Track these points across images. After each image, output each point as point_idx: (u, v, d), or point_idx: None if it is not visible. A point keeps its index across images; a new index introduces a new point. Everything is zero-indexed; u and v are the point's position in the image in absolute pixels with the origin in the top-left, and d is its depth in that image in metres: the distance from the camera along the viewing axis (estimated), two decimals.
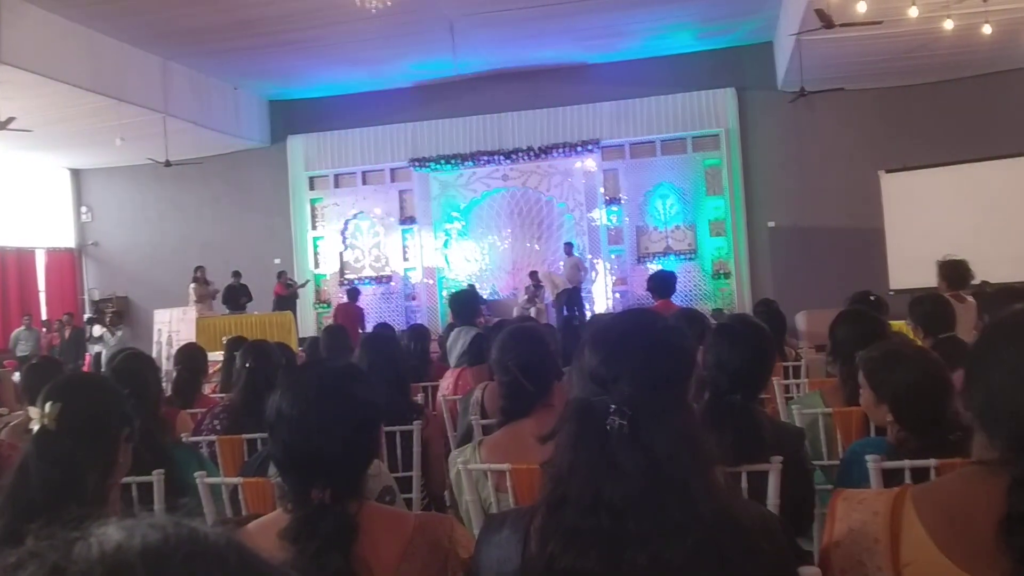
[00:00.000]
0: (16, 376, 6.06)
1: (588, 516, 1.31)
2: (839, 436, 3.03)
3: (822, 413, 3.10)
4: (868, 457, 2.21)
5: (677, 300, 13.58)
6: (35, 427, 1.93)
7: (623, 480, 1.30)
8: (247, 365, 3.90)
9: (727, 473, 2.14)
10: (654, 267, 14.70)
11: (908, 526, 1.39)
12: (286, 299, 15.11)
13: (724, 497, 1.36)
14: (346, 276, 16.76)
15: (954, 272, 5.64)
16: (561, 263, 15.10)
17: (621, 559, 1.28)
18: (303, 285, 15.95)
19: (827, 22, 9.66)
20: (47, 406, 1.92)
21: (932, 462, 2.13)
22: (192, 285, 14.58)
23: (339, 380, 1.72)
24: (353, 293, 14.77)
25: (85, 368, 14.15)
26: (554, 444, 1.41)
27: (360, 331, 13.72)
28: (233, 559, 0.56)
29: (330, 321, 14.40)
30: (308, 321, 16.33)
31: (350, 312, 14.05)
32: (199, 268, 14.78)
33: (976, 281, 5.91)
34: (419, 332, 6.16)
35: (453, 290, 14.70)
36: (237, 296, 14.75)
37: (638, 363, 1.35)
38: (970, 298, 5.39)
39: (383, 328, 7.44)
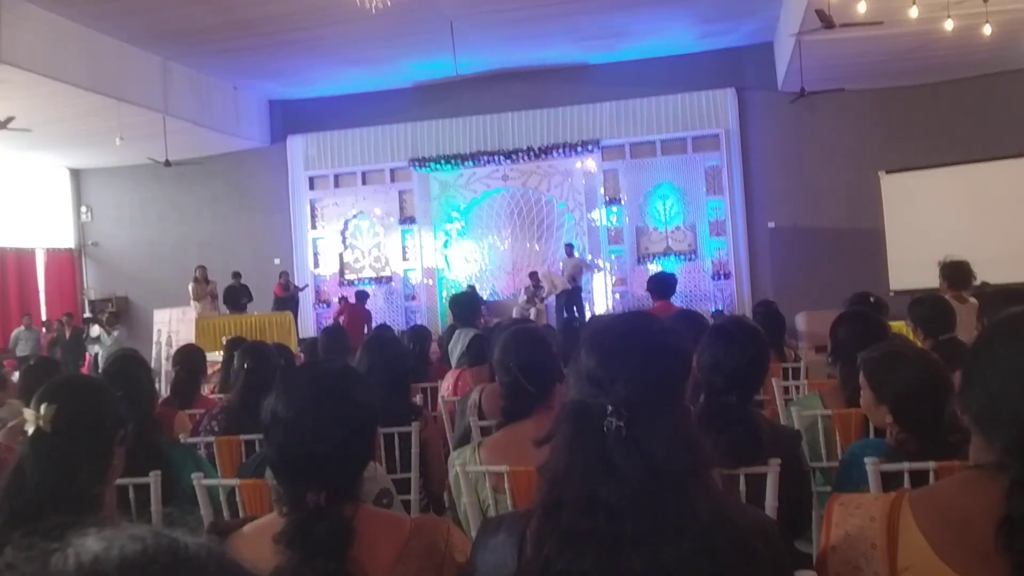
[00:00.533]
0: (15, 376, 6.05)
1: (585, 518, 1.30)
2: (838, 438, 3.02)
3: (821, 414, 3.09)
4: (867, 459, 2.21)
5: (677, 301, 13.59)
6: (30, 429, 1.92)
7: (620, 482, 1.29)
8: (245, 366, 3.90)
9: (725, 475, 2.14)
10: (654, 268, 14.71)
11: (905, 531, 1.38)
12: (285, 300, 15.10)
13: (721, 499, 1.35)
14: (346, 277, 16.75)
15: (956, 273, 5.64)
16: (561, 263, 15.08)
17: (617, 561, 1.28)
18: (302, 289, 15.90)
19: (827, 22, 9.65)
20: (42, 408, 1.91)
21: (931, 464, 2.12)
22: (191, 284, 14.57)
23: (335, 382, 1.70)
24: (362, 295, 14.78)
25: (85, 369, 14.15)
26: (550, 447, 1.40)
27: (364, 334, 13.76)
28: (213, 570, 0.56)
29: (330, 322, 14.40)
30: (308, 322, 16.32)
31: (357, 313, 14.05)
32: (200, 268, 14.77)
33: (976, 282, 5.91)
34: (420, 333, 6.15)
35: (454, 291, 14.73)
36: (237, 296, 14.74)
37: (635, 365, 1.35)
38: (972, 299, 5.38)
39: (383, 330, 7.44)
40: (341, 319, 13.81)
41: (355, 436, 1.67)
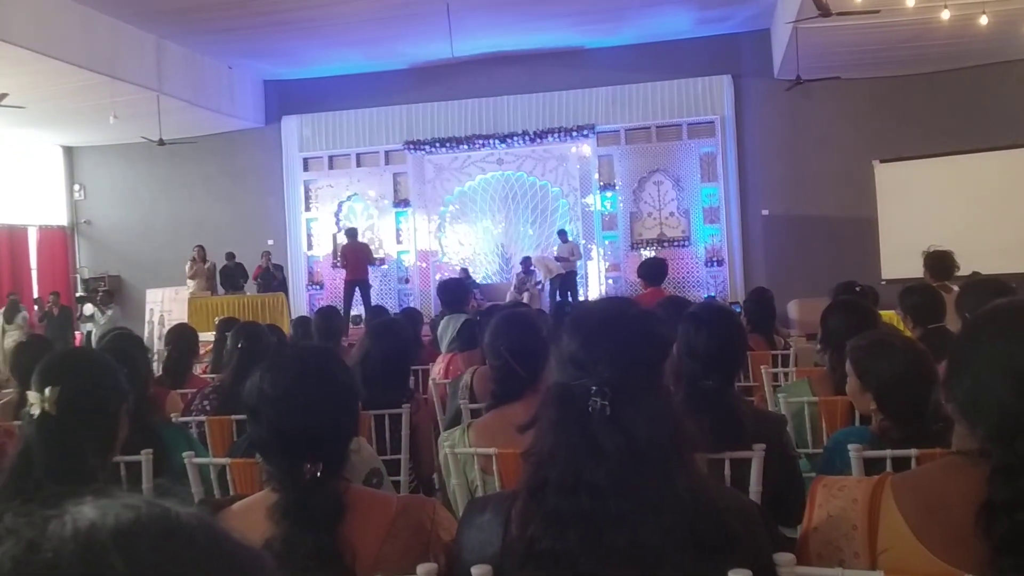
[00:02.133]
0: None
1: (569, 498, 1.33)
2: (824, 425, 3.05)
3: (808, 402, 3.12)
4: (850, 446, 2.23)
5: (670, 287, 13.64)
6: (36, 412, 1.92)
7: (604, 461, 1.32)
8: (239, 346, 3.93)
9: (709, 460, 2.16)
10: (648, 254, 14.72)
11: (886, 514, 1.41)
12: (268, 283, 15.00)
13: (701, 479, 1.38)
14: (339, 259, 16.69)
15: (938, 263, 5.67)
16: (555, 247, 15.08)
17: (600, 540, 1.30)
18: (272, 268, 15.53)
19: (824, 10, 9.63)
20: (47, 391, 1.91)
21: (913, 452, 2.15)
22: (188, 263, 14.56)
23: (318, 360, 1.77)
24: (352, 233, 14.29)
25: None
26: (535, 430, 1.43)
27: (370, 265, 14.02)
28: (202, 539, 0.58)
29: (322, 302, 14.37)
30: (300, 302, 16.32)
31: (359, 251, 13.78)
32: (198, 247, 14.74)
33: (962, 272, 5.92)
34: (411, 316, 6.17)
35: (447, 274, 14.73)
36: (234, 277, 14.73)
37: (616, 346, 1.38)
38: (956, 288, 5.41)
39: (379, 312, 7.47)
40: (344, 259, 13.67)
41: (342, 410, 1.74)
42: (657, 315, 1.50)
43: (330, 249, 16.84)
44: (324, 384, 1.71)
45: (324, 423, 1.66)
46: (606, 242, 15.82)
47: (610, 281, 15.74)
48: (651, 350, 1.42)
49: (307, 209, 17.02)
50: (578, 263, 14.95)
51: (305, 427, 1.63)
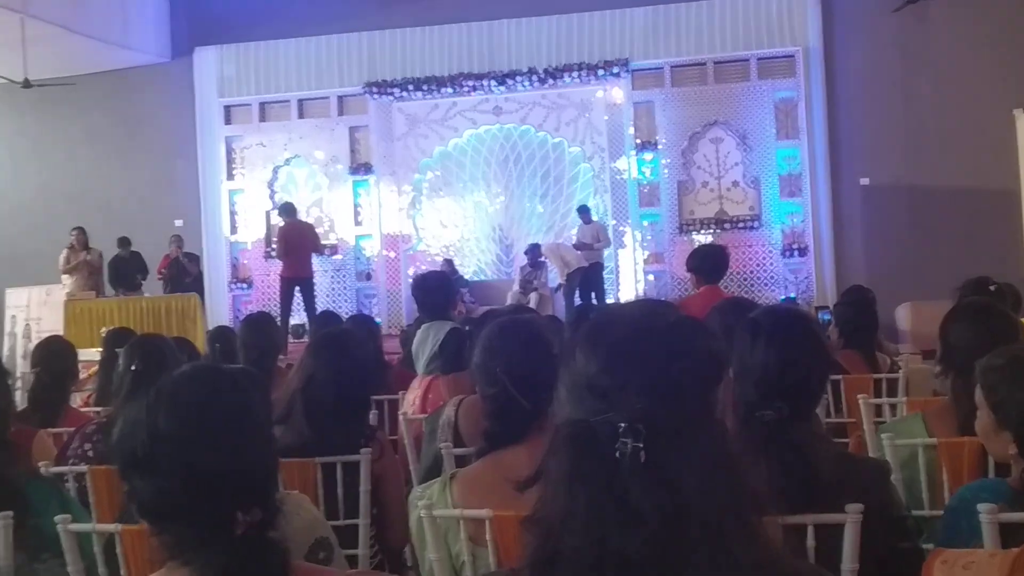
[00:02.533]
0: None
1: None
2: (946, 477, 3.05)
3: (923, 445, 3.12)
4: (980, 506, 2.23)
5: (733, 286, 13.63)
6: None
7: (638, 525, 1.31)
8: (132, 368, 3.93)
9: (785, 525, 2.16)
10: (702, 239, 14.71)
11: None
12: (178, 278, 14.99)
13: (771, 549, 1.37)
14: (274, 245, 16.63)
15: None
16: (574, 231, 15.08)
17: None
18: (186, 260, 15.44)
19: None
20: None
21: None
22: (64, 252, 14.54)
23: (224, 377, 1.80)
24: (289, 209, 13.94)
25: None
26: (542, 485, 1.42)
27: (317, 254, 13.95)
28: None
29: (254, 310, 14.32)
30: (221, 306, 16.33)
31: (301, 236, 13.48)
32: (76, 229, 14.73)
33: None
34: (365, 325, 6.18)
35: (423, 269, 14.72)
36: (128, 271, 14.73)
37: (650, 366, 1.37)
38: None
39: (328, 320, 7.47)
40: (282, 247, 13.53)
41: (267, 441, 1.78)
42: (707, 325, 1.50)
43: (262, 233, 16.84)
44: (240, 407, 1.74)
45: (254, 456, 1.69)
46: (645, 223, 15.85)
47: (650, 277, 15.75)
48: (698, 372, 1.41)
49: (230, 177, 17.06)
50: (606, 252, 14.96)
51: (232, 463, 1.65)
